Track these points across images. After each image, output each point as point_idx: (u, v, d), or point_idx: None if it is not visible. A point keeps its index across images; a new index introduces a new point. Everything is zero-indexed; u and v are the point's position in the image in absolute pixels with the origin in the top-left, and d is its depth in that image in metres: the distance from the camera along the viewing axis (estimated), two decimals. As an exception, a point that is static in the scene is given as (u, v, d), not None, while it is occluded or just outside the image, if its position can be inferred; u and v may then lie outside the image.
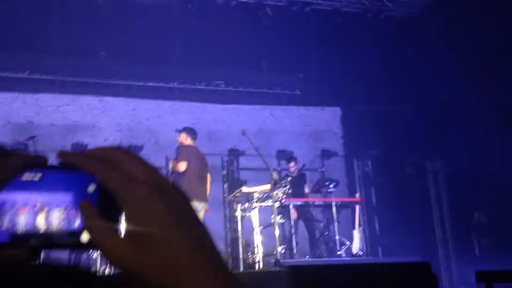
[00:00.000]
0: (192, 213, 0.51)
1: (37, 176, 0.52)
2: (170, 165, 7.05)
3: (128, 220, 0.49)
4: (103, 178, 0.51)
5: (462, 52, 9.38)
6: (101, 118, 9.71)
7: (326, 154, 9.96)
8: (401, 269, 4.36)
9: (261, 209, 7.14)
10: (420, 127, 10.16)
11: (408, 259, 4.97)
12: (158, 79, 10.49)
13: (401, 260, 4.76)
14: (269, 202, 7.01)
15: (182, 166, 6.71)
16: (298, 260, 7.14)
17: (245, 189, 7.42)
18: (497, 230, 8.46)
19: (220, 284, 0.47)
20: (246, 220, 7.30)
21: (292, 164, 8.61)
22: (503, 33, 8.61)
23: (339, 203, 8.04)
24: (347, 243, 8.04)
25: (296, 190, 8.07)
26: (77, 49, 9.82)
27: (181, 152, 6.89)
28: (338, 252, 7.49)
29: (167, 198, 0.49)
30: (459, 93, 9.47)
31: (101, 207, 0.51)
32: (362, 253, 8.18)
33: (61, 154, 0.52)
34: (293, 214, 7.81)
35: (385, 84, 10.71)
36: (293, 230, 7.41)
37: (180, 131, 7.13)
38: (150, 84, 10.41)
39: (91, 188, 0.52)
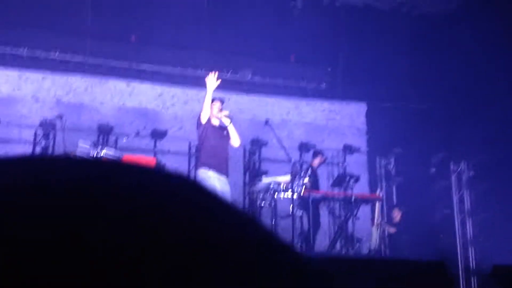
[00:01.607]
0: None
1: None
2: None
3: None
4: None
5: (495, 51, 9.19)
6: (128, 102, 9.83)
7: (348, 149, 9.90)
8: (414, 267, 4.34)
9: (280, 201, 7.17)
10: (446, 126, 10.02)
11: (423, 259, 4.95)
12: (185, 65, 10.55)
13: (415, 259, 4.74)
14: (288, 194, 7.04)
15: None
16: (313, 253, 7.16)
17: (265, 179, 7.46)
18: None
19: None
20: (265, 211, 7.34)
21: (319, 157, 8.71)
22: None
23: (359, 199, 8.02)
24: (364, 239, 8.03)
25: (313, 184, 8.10)
26: (107, 33, 9.95)
27: None
28: (355, 248, 7.48)
29: None
30: (486, 94, 9.32)
31: None
32: (376, 250, 8.17)
33: None
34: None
35: (413, 81, 10.59)
36: (311, 223, 7.42)
37: None
38: (178, 70, 10.48)
39: None
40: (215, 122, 6.68)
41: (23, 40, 9.52)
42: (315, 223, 8.05)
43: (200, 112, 6.59)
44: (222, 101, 6.71)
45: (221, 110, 6.65)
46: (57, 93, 9.37)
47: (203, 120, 6.54)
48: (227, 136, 6.68)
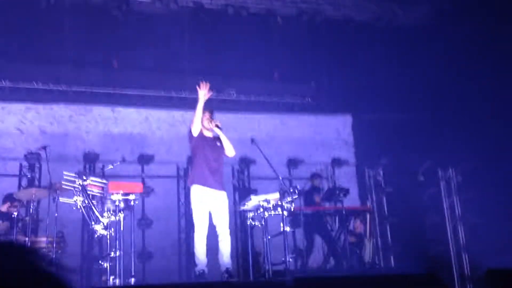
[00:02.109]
0: None
1: None
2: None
3: None
4: None
5: (475, 59, 9.29)
6: (113, 127, 9.79)
7: (336, 162, 9.93)
8: (407, 281, 4.33)
9: (272, 218, 7.12)
10: (433, 135, 10.07)
11: (416, 270, 4.93)
12: (169, 88, 10.55)
13: (408, 271, 4.73)
14: (278, 211, 6.99)
15: None
16: (306, 271, 7.11)
17: (254, 198, 7.40)
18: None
19: None
20: (256, 229, 7.28)
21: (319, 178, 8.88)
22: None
23: (350, 211, 8.01)
24: (358, 252, 7.99)
25: (309, 199, 8.13)
26: (89, 60, 9.94)
27: None
28: (348, 262, 7.45)
29: None
30: (471, 100, 9.39)
31: None
32: (370, 261, 8.14)
33: None
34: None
35: (396, 91, 10.66)
36: (303, 239, 7.39)
37: None
38: (162, 93, 10.47)
39: None
40: (208, 133, 6.48)
41: (4, 72, 9.48)
42: (308, 239, 8.02)
43: (191, 123, 6.37)
44: (211, 111, 6.48)
45: (211, 120, 6.44)
46: (41, 124, 9.31)
47: (195, 133, 6.32)
48: (221, 147, 6.43)
